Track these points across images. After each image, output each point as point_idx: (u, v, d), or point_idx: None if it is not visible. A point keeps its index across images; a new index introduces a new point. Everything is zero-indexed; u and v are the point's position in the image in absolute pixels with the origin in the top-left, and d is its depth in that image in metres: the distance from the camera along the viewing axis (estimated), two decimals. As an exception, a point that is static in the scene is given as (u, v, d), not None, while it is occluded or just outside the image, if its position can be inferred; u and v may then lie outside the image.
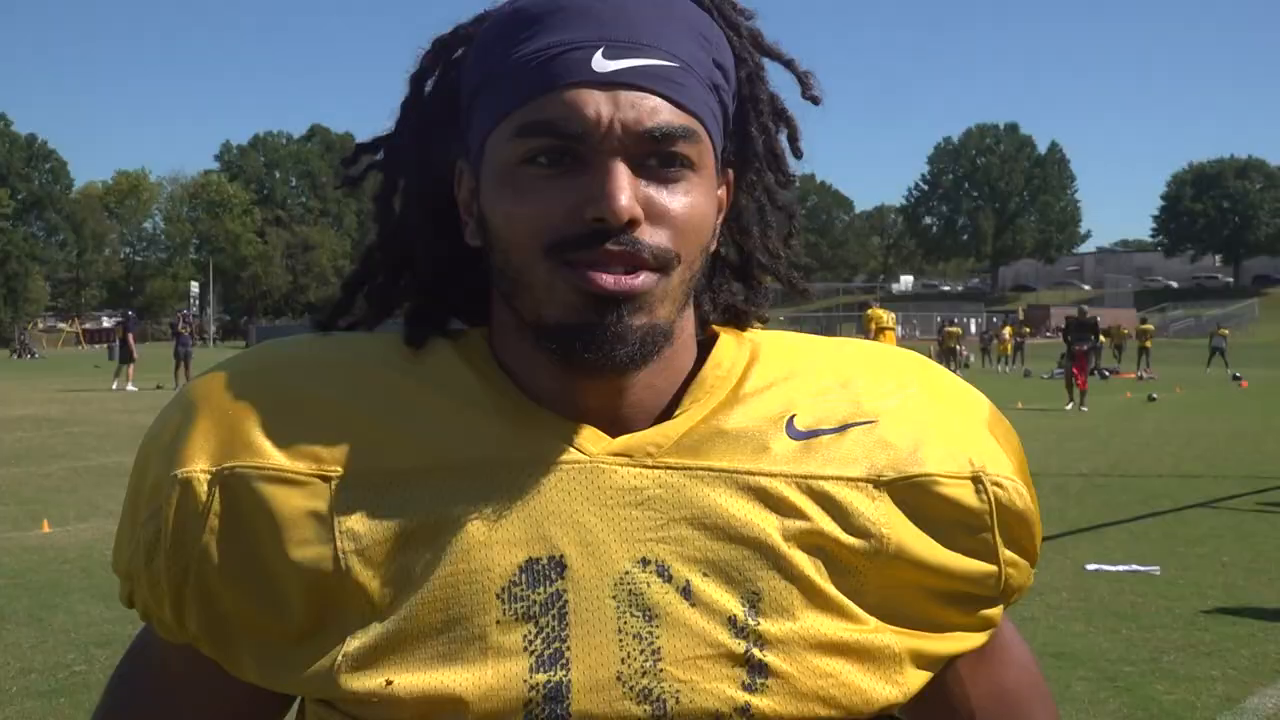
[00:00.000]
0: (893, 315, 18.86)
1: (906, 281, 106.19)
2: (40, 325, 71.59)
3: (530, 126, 0.83)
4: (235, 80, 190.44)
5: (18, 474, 10.91)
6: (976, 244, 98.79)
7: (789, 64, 0.97)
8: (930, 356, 1.11)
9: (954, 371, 1.02)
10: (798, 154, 0.99)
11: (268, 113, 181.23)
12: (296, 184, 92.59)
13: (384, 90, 1.10)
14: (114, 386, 24.14)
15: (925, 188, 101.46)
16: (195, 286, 72.97)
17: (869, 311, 18.62)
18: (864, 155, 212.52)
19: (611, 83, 0.82)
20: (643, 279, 0.82)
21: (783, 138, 0.98)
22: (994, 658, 0.96)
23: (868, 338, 14.70)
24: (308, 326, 0.99)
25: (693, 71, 0.85)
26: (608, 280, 0.81)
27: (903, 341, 31.81)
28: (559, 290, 0.82)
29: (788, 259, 1.00)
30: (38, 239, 77.06)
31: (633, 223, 0.81)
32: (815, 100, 0.98)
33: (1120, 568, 6.91)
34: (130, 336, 25.41)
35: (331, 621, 0.83)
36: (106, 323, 68.18)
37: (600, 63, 0.82)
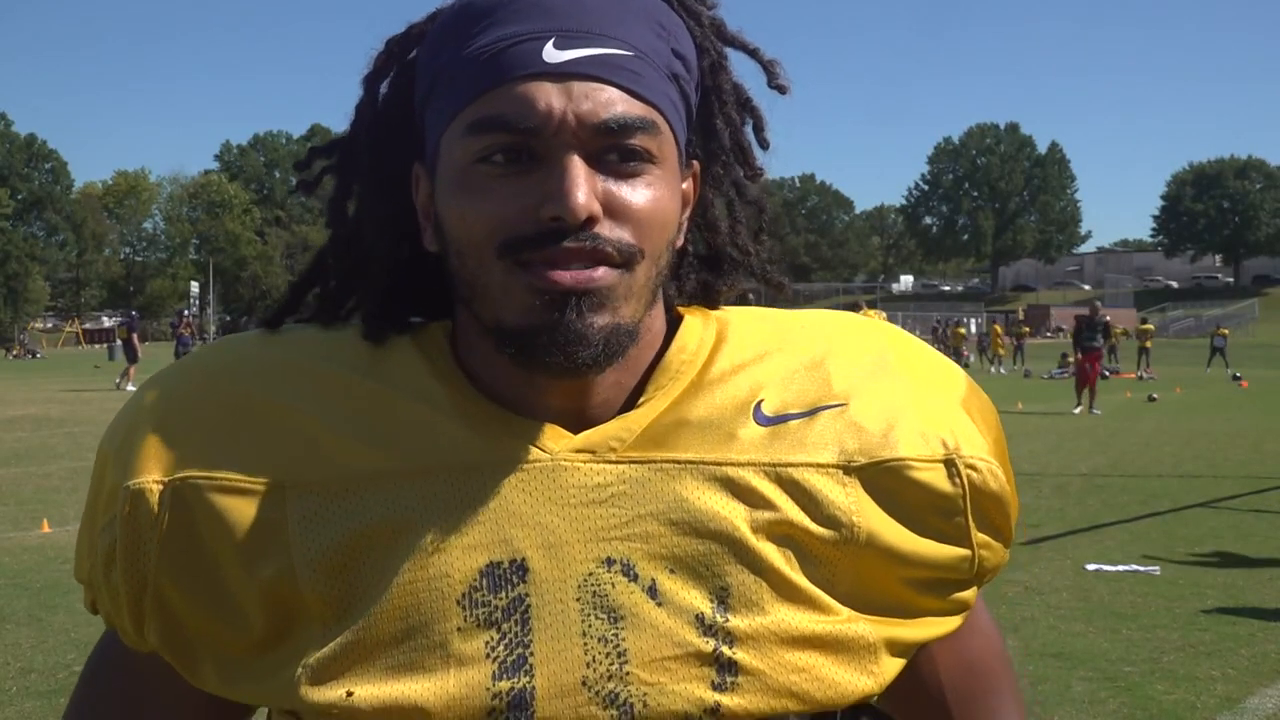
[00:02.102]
0: (883, 315, 18.89)
1: (906, 281, 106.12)
2: (40, 325, 71.58)
3: (481, 123, 0.80)
4: (235, 80, 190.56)
5: (18, 474, 10.88)
6: (976, 244, 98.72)
7: (753, 53, 0.94)
8: None
9: None
10: (764, 144, 0.96)
11: (268, 113, 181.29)
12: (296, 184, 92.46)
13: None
14: (117, 384, 24.10)
15: (925, 188, 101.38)
16: (195, 286, 72.78)
17: (862, 313, 18.53)
18: (864, 155, 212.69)
19: (564, 73, 0.79)
20: (602, 273, 0.79)
21: (749, 130, 0.95)
22: (961, 628, 0.93)
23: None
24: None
25: (650, 61, 0.82)
26: (564, 276, 0.78)
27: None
28: (515, 292, 0.79)
29: (759, 254, 0.97)
30: (38, 239, 76.87)
31: (591, 220, 0.78)
32: (781, 89, 0.95)
33: (1120, 568, 6.91)
34: (134, 337, 25.47)
35: (290, 632, 0.81)
36: (107, 322, 68.11)
37: (551, 53, 0.79)
